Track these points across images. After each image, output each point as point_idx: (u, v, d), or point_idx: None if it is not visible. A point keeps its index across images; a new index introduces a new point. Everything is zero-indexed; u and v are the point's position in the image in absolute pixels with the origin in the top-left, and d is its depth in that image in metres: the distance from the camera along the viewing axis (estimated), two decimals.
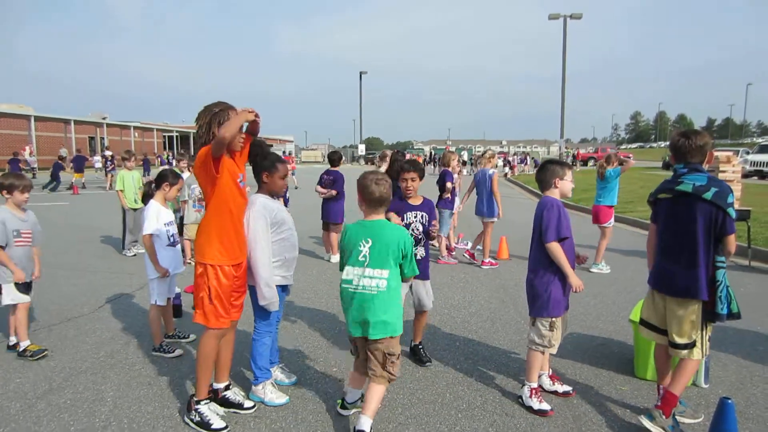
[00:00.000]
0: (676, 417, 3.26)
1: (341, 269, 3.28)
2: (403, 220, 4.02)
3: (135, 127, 54.00)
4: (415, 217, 4.10)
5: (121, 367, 4.21)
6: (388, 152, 8.92)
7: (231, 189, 3.24)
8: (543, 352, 3.59)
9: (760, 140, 57.27)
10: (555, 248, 3.45)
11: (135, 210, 8.87)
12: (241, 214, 3.36)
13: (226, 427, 3.24)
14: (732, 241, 3.12)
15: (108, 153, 26.66)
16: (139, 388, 3.82)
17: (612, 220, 7.81)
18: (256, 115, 3.22)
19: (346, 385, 3.47)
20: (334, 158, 8.59)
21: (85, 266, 7.84)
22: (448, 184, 7.92)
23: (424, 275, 4.06)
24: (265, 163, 3.57)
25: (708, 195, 3.06)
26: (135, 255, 8.62)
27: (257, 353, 3.64)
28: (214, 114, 3.19)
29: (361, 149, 60.09)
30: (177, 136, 59.82)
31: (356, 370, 3.37)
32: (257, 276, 3.41)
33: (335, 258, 8.05)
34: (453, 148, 65.33)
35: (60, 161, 23.83)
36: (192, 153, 5.13)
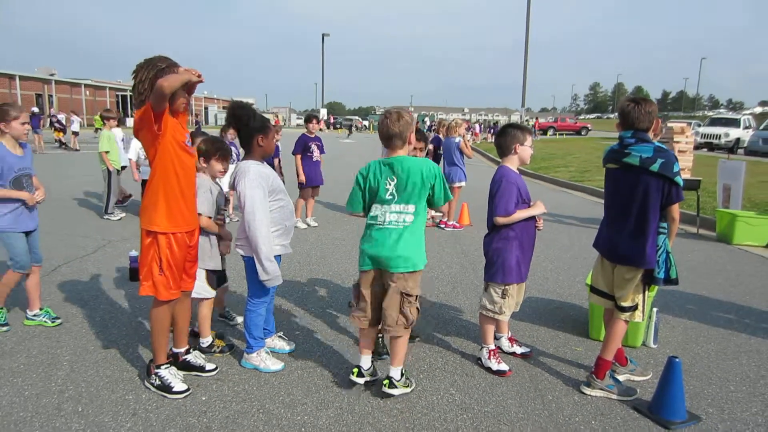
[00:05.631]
0: (616, 376, 3.43)
1: (360, 209, 3.23)
2: None
3: (86, 85, 51.59)
4: None
5: (77, 331, 4.10)
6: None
7: (175, 149, 3.04)
8: (493, 318, 3.63)
9: (711, 113, 59.17)
10: (502, 221, 3.50)
11: (122, 169, 8.58)
12: (190, 176, 3.19)
13: (187, 390, 3.22)
14: (677, 209, 3.16)
15: (35, 109, 25.32)
16: (96, 352, 3.74)
17: None
18: (199, 76, 3.03)
19: (360, 353, 3.36)
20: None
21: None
22: (429, 146, 8.46)
23: None
24: (257, 124, 3.36)
25: (655, 167, 3.05)
26: (120, 219, 8.40)
27: (252, 324, 3.53)
28: (160, 69, 2.96)
29: (323, 113, 59.24)
30: (131, 96, 57.31)
31: (363, 336, 3.34)
32: (257, 251, 3.25)
33: (314, 222, 8.33)
34: (415, 115, 65.30)
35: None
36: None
